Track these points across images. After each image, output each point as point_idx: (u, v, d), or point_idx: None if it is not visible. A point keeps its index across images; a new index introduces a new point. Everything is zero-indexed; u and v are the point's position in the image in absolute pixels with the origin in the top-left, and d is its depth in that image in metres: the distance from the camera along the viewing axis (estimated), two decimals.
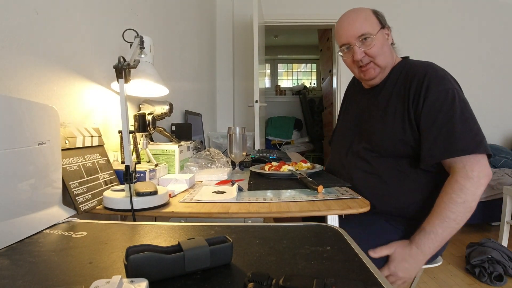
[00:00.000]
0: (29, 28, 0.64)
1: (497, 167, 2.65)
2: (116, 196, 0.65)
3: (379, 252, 0.81)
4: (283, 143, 4.58)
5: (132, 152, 0.78)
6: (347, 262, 0.38)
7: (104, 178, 0.75)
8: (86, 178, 0.68)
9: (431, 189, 0.84)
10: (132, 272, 0.32)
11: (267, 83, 5.45)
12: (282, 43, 5.32)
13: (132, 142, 0.77)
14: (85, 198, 0.65)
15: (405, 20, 3.09)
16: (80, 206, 0.63)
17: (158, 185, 0.85)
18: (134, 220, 0.59)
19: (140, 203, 0.63)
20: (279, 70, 5.57)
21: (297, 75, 5.63)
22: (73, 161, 0.67)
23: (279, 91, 5.27)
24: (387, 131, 0.87)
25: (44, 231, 0.50)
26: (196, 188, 0.85)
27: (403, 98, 0.86)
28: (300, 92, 5.10)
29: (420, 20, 3.11)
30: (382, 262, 0.82)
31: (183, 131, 1.41)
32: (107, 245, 0.44)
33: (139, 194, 0.63)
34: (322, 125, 4.57)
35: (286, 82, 5.60)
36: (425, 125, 0.80)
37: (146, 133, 0.89)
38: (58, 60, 0.73)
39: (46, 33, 0.69)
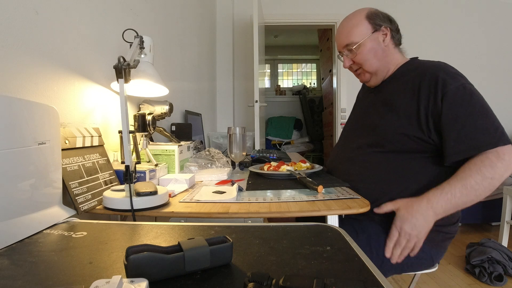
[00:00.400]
0: (29, 28, 0.64)
1: None
2: (116, 196, 0.65)
3: (384, 208, 0.82)
4: (283, 143, 4.58)
5: (132, 152, 0.78)
6: (347, 262, 0.38)
7: (104, 178, 0.75)
8: (86, 178, 0.68)
9: (433, 183, 0.83)
10: (132, 272, 0.32)
11: (267, 83, 5.45)
12: (282, 43, 5.32)
13: (132, 142, 0.77)
14: (85, 198, 0.65)
15: (405, 20, 3.08)
16: (80, 206, 0.63)
17: (158, 185, 0.85)
18: (134, 220, 0.59)
19: (140, 203, 0.63)
20: (279, 70, 5.57)
21: (297, 75, 5.63)
22: (73, 161, 0.67)
23: (279, 91, 5.26)
24: (391, 125, 0.87)
25: (44, 231, 0.50)
26: (196, 188, 0.85)
27: (411, 94, 0.86)
28: (300, 92, 5.09)
29: (420, 20, 3.11)
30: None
31: (183, 131, 1.42)
32: (107, 245, 0.44)
33: (139, 194, 0.63)
34: (322, 125, 4.57)
35: (286, 82, 5.60)
36: (446, 120, 0.80)
37: (146, 133, 0.89)
38: (58, 60, 0.73)
39: (46, 33, 0.69)
